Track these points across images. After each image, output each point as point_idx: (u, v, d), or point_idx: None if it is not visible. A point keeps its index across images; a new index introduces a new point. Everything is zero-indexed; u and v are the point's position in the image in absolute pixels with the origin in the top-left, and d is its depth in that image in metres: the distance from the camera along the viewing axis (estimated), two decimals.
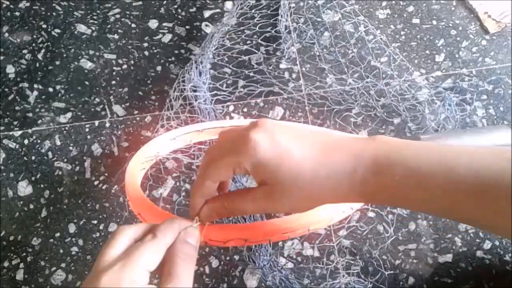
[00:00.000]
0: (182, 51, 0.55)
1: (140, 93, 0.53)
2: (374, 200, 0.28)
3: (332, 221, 0.36)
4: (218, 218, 0.30)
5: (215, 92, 0.52)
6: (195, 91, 0.49)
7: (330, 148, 0.27)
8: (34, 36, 0.56)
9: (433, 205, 0.26)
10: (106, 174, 0.49)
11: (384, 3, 0.58)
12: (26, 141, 0.51)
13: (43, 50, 0.55)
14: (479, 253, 0.46)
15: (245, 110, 0.52)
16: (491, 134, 0.46)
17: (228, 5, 0.58)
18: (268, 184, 0.27)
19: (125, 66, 0.54)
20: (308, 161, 0.26)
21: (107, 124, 0.51)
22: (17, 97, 0.53)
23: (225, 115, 0.51)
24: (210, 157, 0.29)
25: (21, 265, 0.45)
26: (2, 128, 0.51)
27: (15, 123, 0.52)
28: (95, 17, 0.57)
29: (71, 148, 0.50)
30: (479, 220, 0.25)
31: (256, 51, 0.54)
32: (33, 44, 0.56)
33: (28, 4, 0.58)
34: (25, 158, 0.50)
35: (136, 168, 0.41)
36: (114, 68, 0.54)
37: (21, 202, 0.48)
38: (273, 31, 0.55)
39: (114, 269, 0.24)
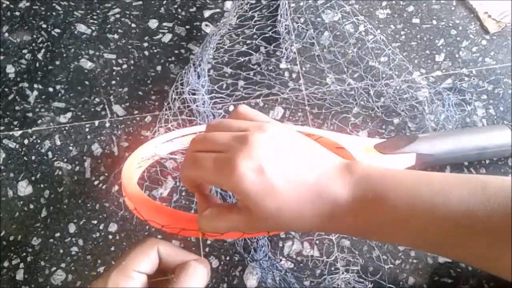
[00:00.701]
0: (182, 51, 0.55)
1: (140, 93, 0.53)
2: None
3: None
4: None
5: (213, 94, 0.52)
6: (193, 94, 0.49)
7: (314, 193, 0.26)
8: (34, 36, 0.56)
9: (419, 241, 0.26)
10: (106, 174, 0.49)
11: (384, 3, 0.58)
12: (26, 141, 0.51)
13: (43, 50, 0.55)
14: None
15: None
16: (489, 134, 0.46)
17: (228, 5, 0.58)
18: (248, 209, 0.26)
19: (125, 66, 0.54)
20: (294, 203, 0.26)
21: (107, 124, 0.51)
22: (17, 97, 0.53)
23: (224, 117, 0.51)
24: (193, 157, 0.28)
25: (21, 265, 0.45)
26: (2, 128, 0.51)
27: (15, 123, 0.52)
28: (95, 17, 0.57)
29: (71, 148, 0.50)
30: (465, 257, 0.25)
31: (256, 52, 0.54)
32: (33, 44, 0.56)
33: (28, 4, 0.58)
34: (25, 158, 0.50)
35: (133, 166, 0.40)
36: (114, 68, 0.54)
37: (21, 202, 0.48)
38: (271, 33, 0.55)
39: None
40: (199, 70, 0.50)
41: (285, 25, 0.55)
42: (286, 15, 0.56)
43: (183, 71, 0.50)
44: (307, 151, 0.28)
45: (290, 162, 0.26)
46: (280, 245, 0.46)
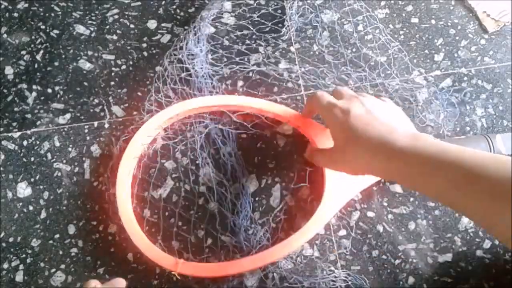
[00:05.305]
0: (182, 51, 0.55)
1: (139, 93, 0.53)
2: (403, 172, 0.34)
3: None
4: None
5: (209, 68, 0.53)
6: (192, 58, 0.52)
7: (386, 132, 0.36)
8: (33, 37, 0.56)
9: (443, 195, 0.32)
10: (106, 175, 0.49)
11: (383, 3, 0.58)
12: (25, 142, 0.51)
13: (41, 51, 0.55)
14: (479, 253, 0.46)
15: None
16: (469, 145, 0.46)
17: (227, 5, 0.58)
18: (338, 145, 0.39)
19: (124, 67, 0.54)
20: (365, 157, 0.36)
21: (106, 125, 0.51)
22: (15, 98, 0.53)
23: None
24: (323, 99, 0.41)
25: (21, 266, 0.45)
26: (1, 129, 0.51)
27: (14, 124, 0.52)
28: (93, 18, 0.57)
29: (70, 149, 0.50)
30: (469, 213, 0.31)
31: (256, 51, 0.54)
32: (32, 45, 0.56)
33: (26, 5, 0.58)
34: (24, 159, 0.50)
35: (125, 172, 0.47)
36: (113, 68, 0.54)
37: (20, 204, 0.48)
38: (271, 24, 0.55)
39: None
40: (199, 35, 0.52)
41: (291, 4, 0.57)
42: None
43: (180, 37, 0.53)
44: (395, 116, 0.40)
45: (371, 114, 0.37)
46: None
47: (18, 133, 0.51)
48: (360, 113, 0.37)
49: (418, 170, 0.32)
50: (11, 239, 0.46)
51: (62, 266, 0.45)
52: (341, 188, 0.45)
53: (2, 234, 0.47)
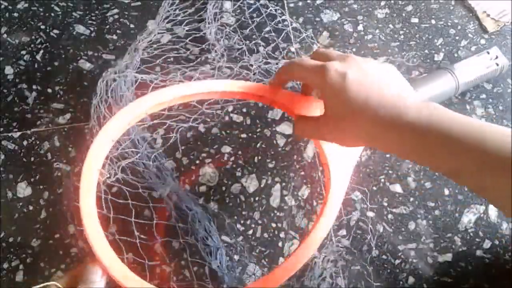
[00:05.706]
0: (181, 51, 0.55)
1: (140, 94, 0.53)
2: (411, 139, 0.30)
3: None
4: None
5: None
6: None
7: (381, 101, 0.31)
8: (33, 37, 0.56)
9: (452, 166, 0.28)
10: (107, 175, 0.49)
11: (382, 3, 0.58)
12: (25, 142, 0.51)
13: (41, 51, 0.55)
14: (478, 253, 0.46)
15: (244, 110, 0.52)
16: (437, 81, 0.49)
17: (227, 4, 0.58)
18: (325, 112, 0.34)
19: None
20: (360, 101, 0.31)
21: None
22: (16, 98, 0.53)
23: (223, 115, 0.51)
24: (300, 60, 0.36)
25: (21, 266, 0.45)
26: (1, 129, 0.51)
27: (14, 124, 0.52)
28: (93, 18, 0.57)
29: (70, 149, 0.50)
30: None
31: (256, 51, 0.54)
32: (32, 45, 0.56)
33: (26, 5, 0.58)
34: (24, 159, 0.50)
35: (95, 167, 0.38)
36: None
37: (20, 204, 0.48)
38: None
39: None
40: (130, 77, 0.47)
41: (214, 31, 0.53)
42: (215, 20, 0.54)
43: (103, 81, 0.46)
44: (393, 82, 0.33)
45: (370, 77, 0.32)
46: (280, 245, 0.46)
47: (18, 133, 0.51)
48: (360, 78, 0.32)
49: (437, 148, 0.28)
50: (11, 239, 0.46)
51: (62, 266, 0.45)
52: (343, 160, 0.40)
53: (2, 234, 0.47)
